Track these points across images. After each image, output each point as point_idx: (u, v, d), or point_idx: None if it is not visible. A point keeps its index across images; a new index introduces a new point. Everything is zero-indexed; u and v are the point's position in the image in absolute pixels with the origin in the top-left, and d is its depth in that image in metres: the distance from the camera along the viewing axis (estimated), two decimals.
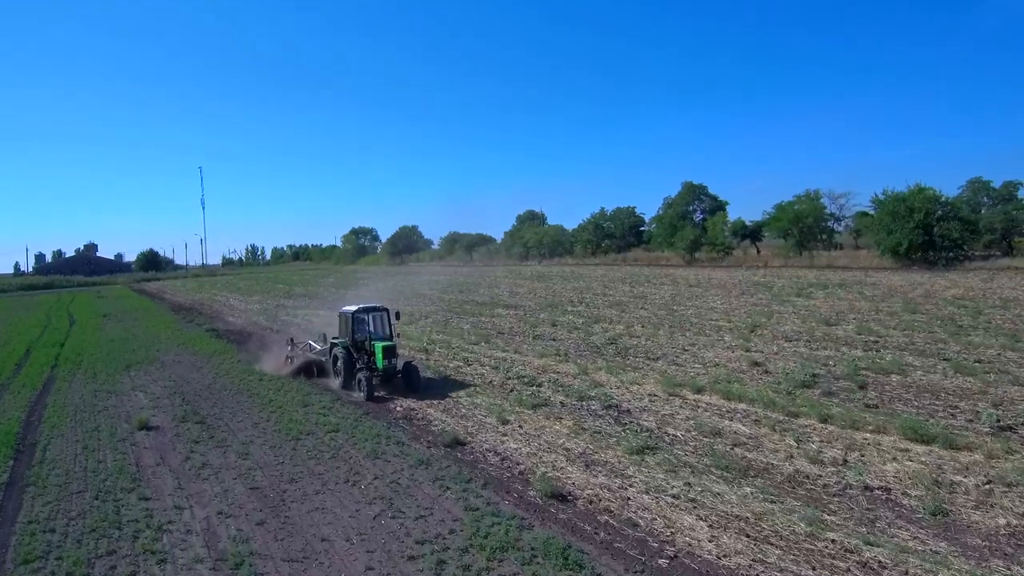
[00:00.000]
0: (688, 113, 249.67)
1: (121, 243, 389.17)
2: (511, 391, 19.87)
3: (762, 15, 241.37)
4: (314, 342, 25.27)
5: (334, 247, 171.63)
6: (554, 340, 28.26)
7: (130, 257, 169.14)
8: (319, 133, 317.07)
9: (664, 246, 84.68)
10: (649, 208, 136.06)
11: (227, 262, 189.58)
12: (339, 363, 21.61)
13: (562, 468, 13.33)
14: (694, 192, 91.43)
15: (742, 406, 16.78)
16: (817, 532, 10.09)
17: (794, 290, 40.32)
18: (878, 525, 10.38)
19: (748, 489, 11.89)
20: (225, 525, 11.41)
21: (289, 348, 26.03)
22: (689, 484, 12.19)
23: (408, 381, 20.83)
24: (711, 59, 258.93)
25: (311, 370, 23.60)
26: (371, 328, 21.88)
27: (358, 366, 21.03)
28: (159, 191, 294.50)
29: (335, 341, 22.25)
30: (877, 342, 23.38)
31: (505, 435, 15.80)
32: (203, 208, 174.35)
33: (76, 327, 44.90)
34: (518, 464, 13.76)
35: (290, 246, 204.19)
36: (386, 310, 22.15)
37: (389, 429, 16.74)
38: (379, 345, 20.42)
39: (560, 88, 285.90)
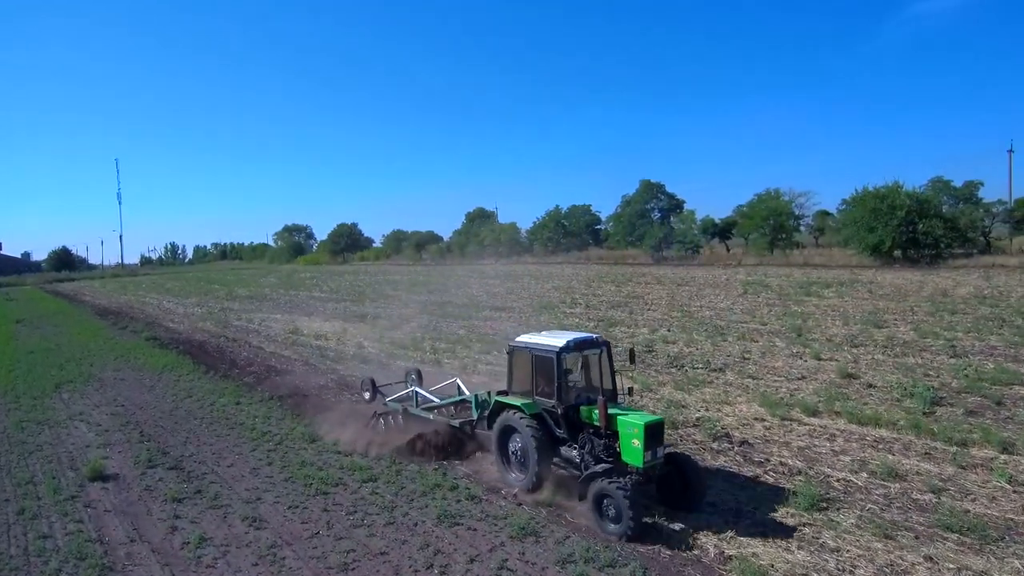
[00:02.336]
0: (637, 112, 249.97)
1: (27, 241, 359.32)
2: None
3: (714, 19, 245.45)
4: (422, 390, 15.56)
5: (266, 245, 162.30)
6: None
7: (39, 256, 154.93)
8: (244, 125, 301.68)
9: (624, 244, 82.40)
10: (602, 206, 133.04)
11: (146, 261, 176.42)
12: (523, 445, 11.67)
13: (731, 539, 9.64)
14: (652, 190, 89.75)
15: (885, 433, 13.59)
16: None
17: (799, 289, 38.13)
18: None
19: (1016, 563, 8.57)
20: None
21: (367, 396, 16.59)
22: (931, 559, 8.76)
23: (676, 484, 10.64)
24: (658, 59, 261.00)
25: (428, 443, 13.78)
26: (581, 378, 12.21)
27: (568, 455, 11.37)
28: (69, 185, 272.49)
29: (505, 400, 12.15)
30: (954, 347, 20.86)
31: None
32: (120, 203, 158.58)
33: None
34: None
35: (215, 244, 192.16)
36: (606, 344, 11.91)
37: (445, 476, 12.64)
38: (635, 422, 10.19)
39: (502, 85, 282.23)
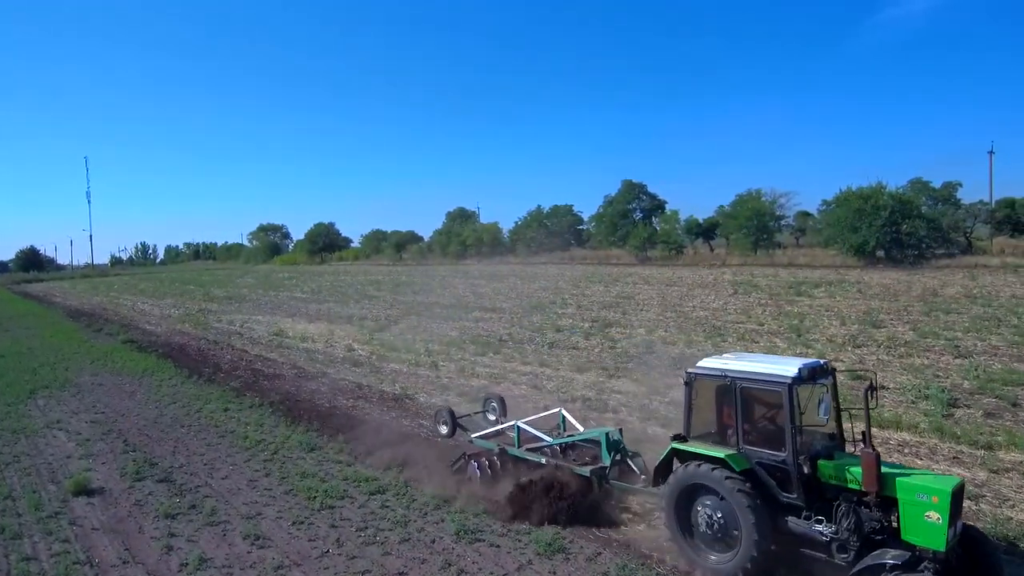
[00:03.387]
0: (618, 112, 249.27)
1: None
2: (585, 420, 15.54)
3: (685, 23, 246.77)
4: (525, 424, 12.56)
5: (241, 245, 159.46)
6: (576, 349, 24.11)
7: (5, 256, 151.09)
8: (216, 122, 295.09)
9: (607, 244, 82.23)
10: (584, 206, 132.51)
11: (116, 261, 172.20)
12: (727, 514, 8.43)
13: None
14: (634, 191, 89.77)
15: (908, 436, 13.28)
16: None
17: (788, 289, 38.10)
18: None
19: None
20: None
21: (445, 431, 13.82)
22: None
23: (964, 569, 7.66)
24: (640, 61, 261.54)
25: (543, 492, 10.60)
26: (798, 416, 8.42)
27: (802, 529, 8.17)
28: (36, 183, 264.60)
29: (690, 448, 8.97)
30: (957, 347, 20.72)
31: None
32: (89, 202, 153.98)
33: None
34: None
35: (188, 244, 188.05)
36: (833, 371, 8.88)
37: (460, 485, 11.96)
38: (933, 486, 7.41)
39: (483, 83, 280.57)
